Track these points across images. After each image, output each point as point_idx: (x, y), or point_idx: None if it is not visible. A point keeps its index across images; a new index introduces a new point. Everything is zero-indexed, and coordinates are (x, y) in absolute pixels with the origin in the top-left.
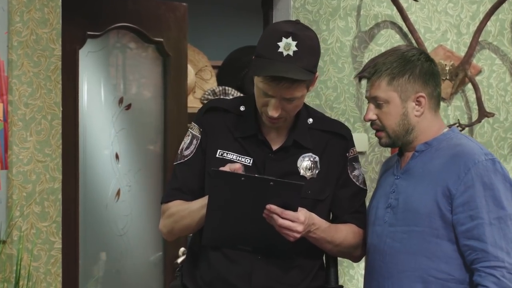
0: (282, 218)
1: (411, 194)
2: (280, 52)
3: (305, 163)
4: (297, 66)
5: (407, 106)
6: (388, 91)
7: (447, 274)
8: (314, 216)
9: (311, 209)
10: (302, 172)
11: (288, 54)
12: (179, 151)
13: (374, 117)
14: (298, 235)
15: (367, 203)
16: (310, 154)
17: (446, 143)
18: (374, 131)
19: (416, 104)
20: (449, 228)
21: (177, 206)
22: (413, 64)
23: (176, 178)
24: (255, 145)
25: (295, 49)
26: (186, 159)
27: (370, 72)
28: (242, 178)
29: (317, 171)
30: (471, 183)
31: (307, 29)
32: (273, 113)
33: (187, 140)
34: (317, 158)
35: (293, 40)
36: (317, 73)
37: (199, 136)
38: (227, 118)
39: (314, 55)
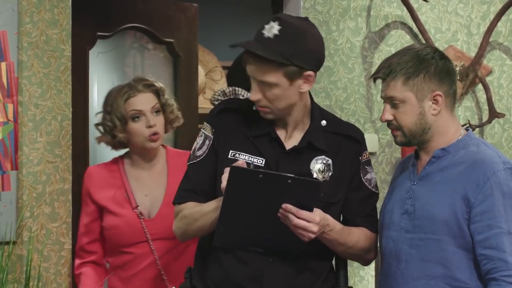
0: (298, 218)
1: (428, 201)
2: (262, 33)
3: (318, 166)
4: (271, 47)
5: (424, 105)
6: (404, 91)
7: (462, 282)
8: (328, 217)
9: (323, 211)
10: (315, 174)
11: (268, 36)
12: (191, 151)
13: (390, 117)
14: (313, 236)
15: (378, 205)
16: (323, 156)
17: (464, 150)
18: (383, 131)
19: (433, 103)
20: (466, 237)
21: (190, 209)
22: (428, 63)
23: (189, 179)
24: (268, 144)
25: (277, 33)
26: (198, 159)
27: (385, 73)
28: (260, 176)
29: (330, 174)
30: (490, 192)
31: (304, 21)
32: (251, 95)
33: (199, 140)
34: (330, 161)
35: (278, 25)
36: (311, 72)
37: (212, 136)
38: (240, 119)
39: (297, 44)
